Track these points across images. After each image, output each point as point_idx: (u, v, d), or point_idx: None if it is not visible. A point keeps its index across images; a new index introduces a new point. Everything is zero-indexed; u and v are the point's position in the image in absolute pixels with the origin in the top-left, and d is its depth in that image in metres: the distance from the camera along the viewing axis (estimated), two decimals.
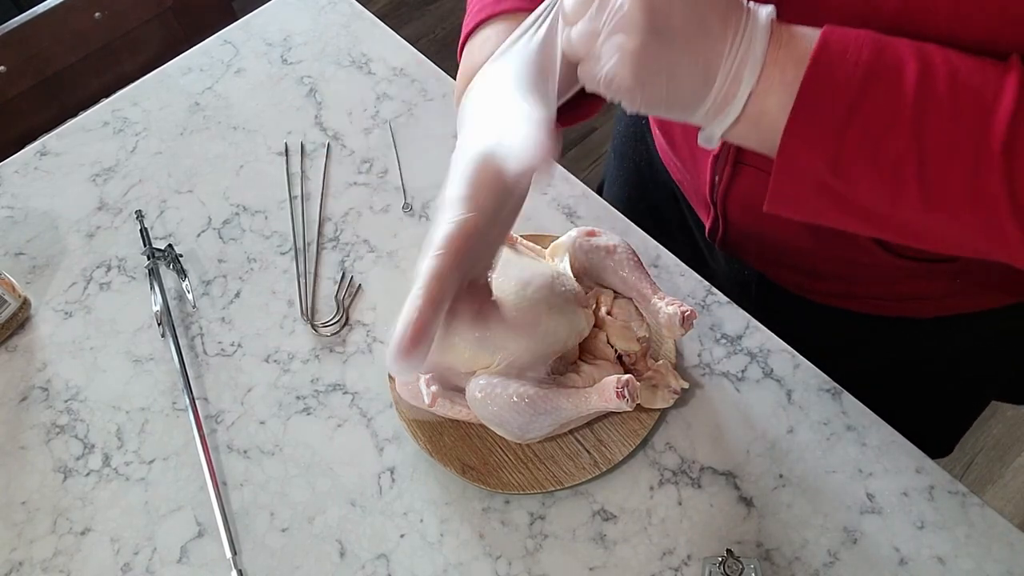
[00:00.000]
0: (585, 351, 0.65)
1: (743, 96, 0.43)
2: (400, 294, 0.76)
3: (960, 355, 0.79)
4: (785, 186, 0.45)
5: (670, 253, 0.75)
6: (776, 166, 0.44)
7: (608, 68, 0.43)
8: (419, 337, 0.46)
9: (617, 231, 0.73)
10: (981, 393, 0.90)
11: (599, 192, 0.87)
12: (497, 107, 0.48)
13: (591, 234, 0.67)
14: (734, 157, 0.65)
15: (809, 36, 0.43)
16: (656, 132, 0.81)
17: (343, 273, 0.78)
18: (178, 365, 0.72)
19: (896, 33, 0.44)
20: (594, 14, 0.43)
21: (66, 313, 0.78)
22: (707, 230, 0.76)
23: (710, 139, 0.47)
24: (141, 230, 0.81)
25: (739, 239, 0.75)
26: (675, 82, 0.43)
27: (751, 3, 0.44)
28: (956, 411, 0.93)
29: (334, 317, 0.75)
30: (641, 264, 0.66)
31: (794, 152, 0.44)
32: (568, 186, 0.81)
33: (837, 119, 0.42)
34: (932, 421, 0.85)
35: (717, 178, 0.67)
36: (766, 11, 0.44)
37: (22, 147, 0.90)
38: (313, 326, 0.74)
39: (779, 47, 0.43)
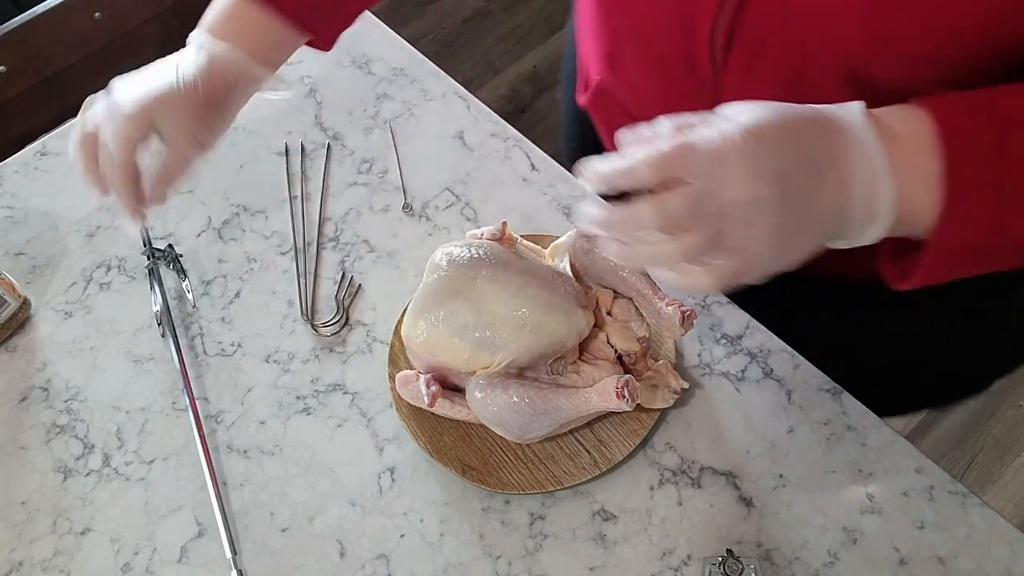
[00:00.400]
0: (585, 351, 0.65)
1: (888, 208, 0.42)
2: (400, 294, 0.76)
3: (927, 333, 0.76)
4: (942, 263, 0.44)
5: None
6: (932, 249, 0.43)
7: (750, 258, 0.42)
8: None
9: None
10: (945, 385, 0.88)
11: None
12: None
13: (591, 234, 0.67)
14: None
15: (908, 118, 0.43)
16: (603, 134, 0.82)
17: (343, 273, 0.78)
18: (178, 365, 0.72)
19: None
20: (704, 217, 0.41)
21: (66, 313, 0.78)
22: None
23: (852, 244, 0.46)
24: (141, 230, 0.81)
25: None
26: (820, 226, 0.43)
27: (831, 109, 0.43)
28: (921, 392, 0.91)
29: (334, 317, 0.75)
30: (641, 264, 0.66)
31: (954, 228, 0.42)
32: (568, 186, 0.81)
33: (989, 181, 0.41)
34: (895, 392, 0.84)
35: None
36: (857, 109, 0.43)
37: (22, 147, 0.90)
38: (313, 326, 0.74)
39: (894, 143, 0.42)
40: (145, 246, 0.79)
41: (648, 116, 0.67)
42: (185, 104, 0.60)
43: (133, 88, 0.62)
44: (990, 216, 0.42)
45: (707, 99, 0.58)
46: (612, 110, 0.74)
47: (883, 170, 0.42)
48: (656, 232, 0.43)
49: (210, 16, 0.63)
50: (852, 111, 0.44)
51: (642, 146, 0.43)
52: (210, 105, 0.61)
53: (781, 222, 0.42)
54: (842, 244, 0.46)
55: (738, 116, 0.42)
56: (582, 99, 0.79)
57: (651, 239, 0.44)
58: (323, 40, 0.68)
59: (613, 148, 0.78)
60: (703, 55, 0.56)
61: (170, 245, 0.79)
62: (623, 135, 0.45)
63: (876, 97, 0.46)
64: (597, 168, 0.44)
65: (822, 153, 0.42)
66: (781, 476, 0.63)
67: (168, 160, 0.62)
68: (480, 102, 0.89)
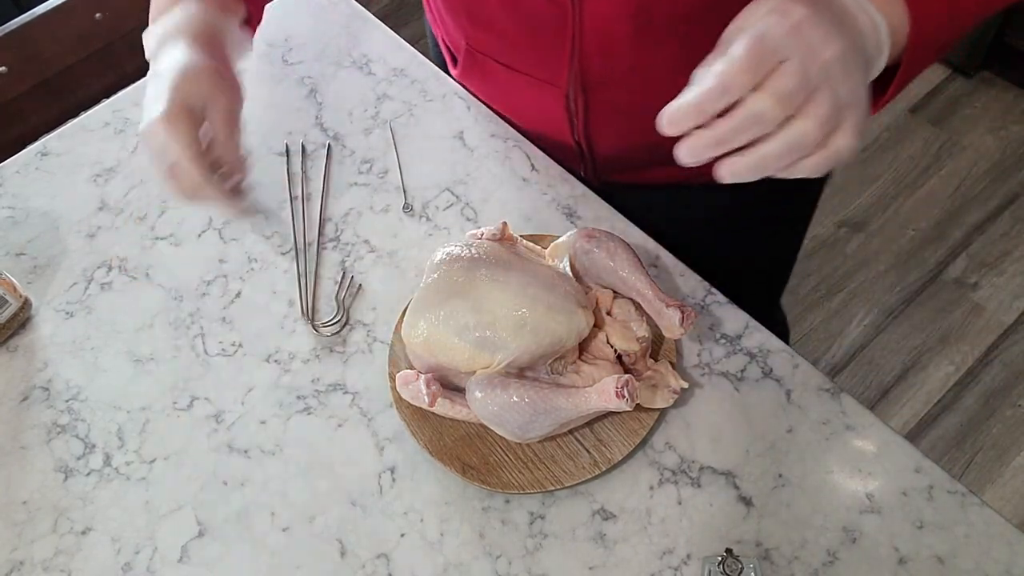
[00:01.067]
0: (585, 351, 0.65)
1: (885, 36, 0.47)
2: (400, 294, 0.76)
3: (758, 201, 0.82)
4: (914, 71, 0.50)
5: (670, 253, 0.75)
6: (907, 59, 0.49)
7: (862, 104, 0.45)
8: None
9: (617, 231, 0.73)
10: (791, 235, 0.99)
11: None
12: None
13: (591, 234, 0.67)
14: (581, 87, 0.70)
15: None
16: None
17: (343, 273, 0.78)
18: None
19: None
20: (815, 80, 0.43)
21: (67, 313, 0.78)
22: (583, 172, 0.83)
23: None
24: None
25: (607, 166, 0.81)
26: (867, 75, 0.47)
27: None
28: (774, 261, 1.01)
29: (334, 317, 0.75)
30: (641, 264, 0.66)
31: (922, 36, 0.48)
32: (568, 186, 0.81)
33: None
34: (753, 278, 0.93)
35: (574, 118, 0.75)
36: None
37: (23, 147, 0.90)
38: (314, 326, 0.74)
39: None
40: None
41: (520, 60, 0.75)
42: (201, 72, 0.60)
43: (154, 100, 0.61)
44: (944, 16, 0.49)
45: (570, 24, 0.65)
46: (486, 68, 0.79)
47: (871, 8, 0.47)
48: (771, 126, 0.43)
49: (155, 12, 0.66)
50: None
51: (718, 64, 0.43)
52: (218, 54, 0.63)
53: (863, 62, 0.46)
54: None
55: (767, 3, 0.44)
56: (456, 72, 0.84)
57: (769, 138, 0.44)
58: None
59: (495, 110, 0.86)
60: None
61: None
62: (697, 74, 0.45)
63: None
64: (686, 101, 0.43)
65: (837, 9, 0.46)
66: (780, 476, 0.63)
67: (218, 119, 0.61)
68: (480, 102, 0.89)
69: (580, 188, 0.81)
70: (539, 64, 0.73)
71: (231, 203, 0.63)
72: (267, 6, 0.79)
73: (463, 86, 0.88)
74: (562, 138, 0.79)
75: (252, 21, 0.72)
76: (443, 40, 0.85)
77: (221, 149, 0.61)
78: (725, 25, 0.57)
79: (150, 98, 0.60)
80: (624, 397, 0.58)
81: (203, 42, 0.62)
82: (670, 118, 0.43)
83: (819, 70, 0.43)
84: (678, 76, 0.64)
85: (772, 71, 0.42)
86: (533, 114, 0.81)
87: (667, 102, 0.44)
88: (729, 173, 0.45)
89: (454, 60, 0.83)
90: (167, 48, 0.62)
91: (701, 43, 0.62)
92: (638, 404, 0.60)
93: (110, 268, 0.80)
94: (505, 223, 0.70)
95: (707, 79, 0.43)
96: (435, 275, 0.65)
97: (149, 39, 0.64)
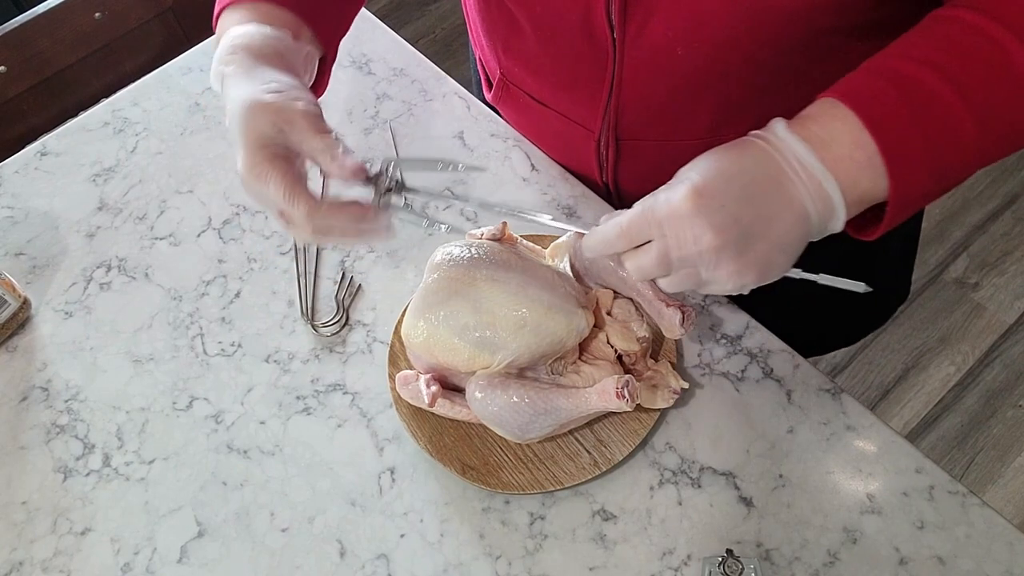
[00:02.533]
0: (585, 351, 0.65)
1: (839, 201, 0.48)
2: (400, 294, 0.76)
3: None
4: (900, 217, 0.51)
5: None
6: (890, 212, 0.49)
7: (734, 285, 0.50)
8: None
9: None
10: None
11: None
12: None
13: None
14: (615, 135, 0.70)
15: (823, 115, 0.49)
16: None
17: (343, 273, 0.78)
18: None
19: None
20: (676, 267, 0.50)
21: (66, 313, 0.78)
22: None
23: (824, 235, 0.51)
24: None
25: (632, 204, 0.80)
26: (783, 246, 0.49)
27: (763, 137, 0.50)
28: (825, 302, 0.99)
29: (334, 317, 0.75)
30: None
31: (905, 194, 0.49)
32: (568, 186, 0.81)
33: (920, 151, 0.48)
34: (805, 318, 0.91)
35: (604, 162, 0.74)
36: (780, 128, 0.50)
37: (22, 147, 0.90)
38: (313, 326, 0.74)
39: (822, 147, 0.48)
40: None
41: (554, 99, 0.75)
42: (263, 103, 0.53)
43: (234, 147, 0.55)
44: (926, 168, 0.48)
45: (608, 65, 0.64)
46: (518, 99, 0.77)
47: (821, 173, 0.48)
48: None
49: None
50: (778, 131, 0.50)
51: (614, 219, 0.53)
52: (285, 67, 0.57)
53: (746, 256, 0.48)
54: (815, 237, 0.51)
55: (687, 174, 0.49)
56: (489, 96, 0.82)
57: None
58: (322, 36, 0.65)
59: (526, 137, 0.85)
60: (601, 19, 0.60)
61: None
62: (603, 218, 0.55)
63: (767, 26, 0.56)
64: (587, 242, 0.55)
65: (765, 181, 0.49)
66: (781, 476, 0.63)
67: (307, 146, 0.54)
68: (480, 102, 0.89)
69: (580, 188, 0.80)
70: (573, 106, 0.72)
71: (362, 225, 0.54)
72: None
73: (495, 110, 0.86)
74: (589, 175, 0.79)
75: (326, 60, 0.67)
76: (480, 61, 0.84)
77: (324, 165, 0.54)
78: (762, 85, 0.62)
79: (232, 143, 0.55)
80: (624, 397, 0.58)
81: (264, 59, 0.55)
82: (583, 250, 0.56)
83: (682, 257, 0.49)
84: (711, 132, 0.67)
85: (643, 244, 0.51)
86: (562, 150, 0.81)
87: (697, 155, 0.51)
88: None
89: (489, 84, 0.82)
90: (228, 80, 0.55)
91: (737, 101, 0.64)
92: (638, 404, 0.60)
93: (109, 268, 0.80)
94: (505, 223, 0.69)
95: (598, 232, 0.54)
96: (435, 275, 0.65)
97: (213, 71, 0.58)
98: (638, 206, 0.51)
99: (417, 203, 0.58)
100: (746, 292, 0.51)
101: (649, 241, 0.51)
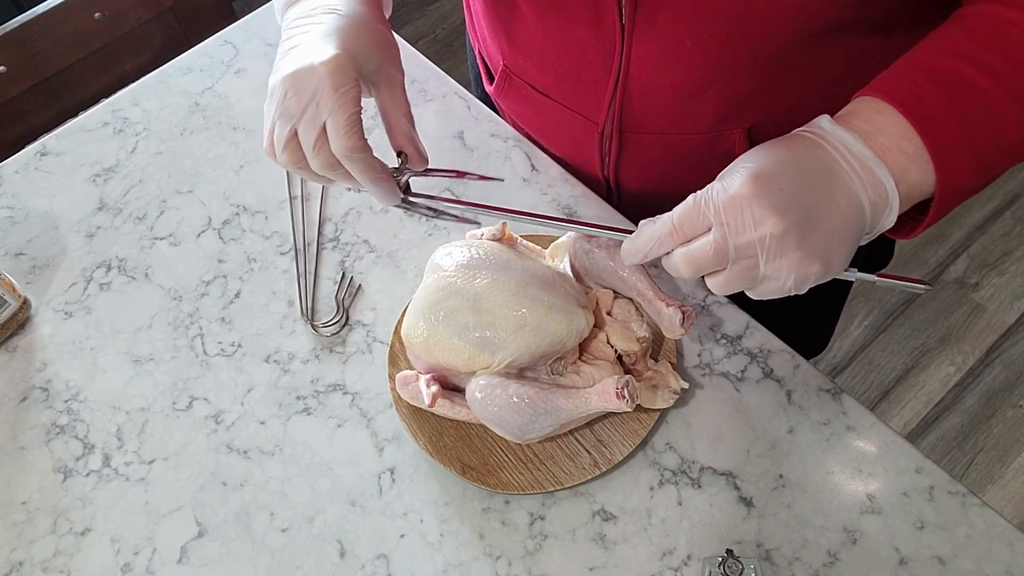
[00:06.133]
0: (585, 351, 0.65)
1: (893, 190, 0.47)
2: (400, 294, 0.76)
3: None
4: (944, 212, 0.50)
5: None
6: (936, 206, 0.49)
7: (796, 278, 0.47)
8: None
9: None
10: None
11: None
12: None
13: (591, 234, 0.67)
14: (618, 128, 0.69)
15: (866, 110, 0.48)
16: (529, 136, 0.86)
17: (343, 273, 0.78)
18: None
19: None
20: (733, 259, 0.47)
21: (66, 313, 0.78)
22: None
23: (874, 236, 0.51)
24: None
25: (631, 201, 0.80)
26: (843, 235, 0.47)
27: (810, 131, 0.49)
28: (825, 301, 1.00)
29: (334, 317, 0.75)
30: (641, 264, 0.66)
31: (951, 187, 0.48)
32: (568, 186, 0.81)
33: (963, 142, 0.47)
34: (804, 318, 0.92)
35: (606, 155, 0.74)
36: (826, 122, 0.49)
37: (22, 147, 0.90)
38: (313, 326, 0.74)
39: (869, 138, 0.47)
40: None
41: (558, 91, 0.74)
42: (373, 28, 0.53)
43: (308, 46, 0.52)
44: (971, 160, 0.48)
45: (616, 56, 0.63)
46: (521, 90, 0.77)
47: (873, 160, 0.47)
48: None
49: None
50: (823, 124, 0.49)
51: (660, 218, 0.50)
52: (385, 27, 0.56)
53: (807, 244, 0.46)
54: (866, 239, 0.50)
55: (741, 164, 0.48)
56: (491, 89, 0.82)
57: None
58: None
59: (525, 131, 0.85)
60: (611, 10, 0.60)
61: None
62: (643, 223, 0.52)
63: (774, 20, 0.55)
64: (631, 247, 0.52)
65: (819, 168, 0.47)
66: (781, 476, 0.63)
67: (387, 99, 0.54)
68: (480, 102, 0.89)
69: (580, 188, 0.80)
70: (577, 98, 0.71)
71: (380, 182, 0.53)
72: (267, 6, 0.78)
73: (496, 103, 0.86)
74: (591, 170, 0.78)
75: None
76: (480, 54, 0.84)
77: (395, 126, 0.53)
78: (765, 80, 0.62)
79: (300, 45, 0.52)
80: (624, 398, 0.58)
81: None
82: (624, 257, 0.54)
83: (739, 247, 0.47)
84: (715, 127, 0.66)
85: (699, 235, 0.48)
86: (564, 143, 0.80)
87: (702, 151, 0.50)
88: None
89: (490, 77, 0.81)
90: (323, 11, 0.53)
91: (742, 95, 0.64)
92: (638, 404, 0.60)
93: (109, 268, 0.80)
94: (505, 223, 0.69)
95: (646, 231, 0.51)
96: (435, 275, 0.65)
97: None
98: (690, 199, 0.49)
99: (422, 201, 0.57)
100: (803, 291, 0.48)
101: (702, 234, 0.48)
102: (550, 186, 0.81)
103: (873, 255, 0.93)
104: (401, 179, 0.56)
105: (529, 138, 0.85)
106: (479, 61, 0.85)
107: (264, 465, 0.67)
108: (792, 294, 0.48)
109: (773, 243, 0.46)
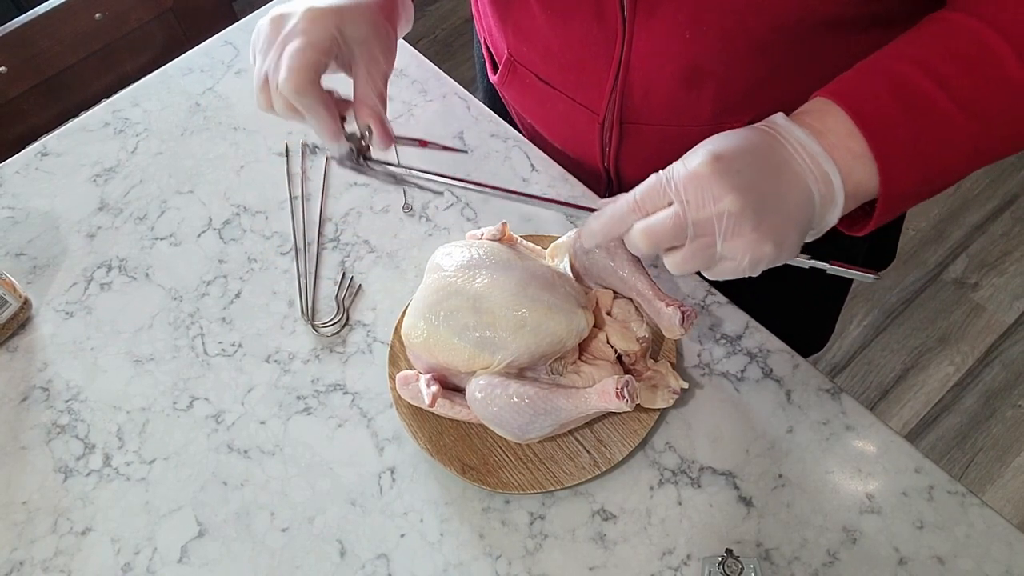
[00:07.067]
0: (585, 351, 0.65)
1: (839, 185, 0.49)
2: (400, 294, 0.76)
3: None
4: (890, 212, 0.52)
5: None
6: (881, 206, 0.50)
7: (751, 258, 0.48)
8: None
9: None
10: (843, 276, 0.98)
11: None
12: None
13: None
14: (619, 118, 0.70)
15: (818, 110, 0.50)
16: (529, 129, 0.86)
17: (343, 273, 0.78)
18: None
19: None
20: (691, 236, 0.48)
21: (67, 313, 0.78)
22: (603, 196, 0.81)
23: (819, 233, 0.52)
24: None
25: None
26: (795, 221, 0.49)
27: (765, 125, 0.51)
28: (824, 300, 1.01)
29: (334, 317, 0.75)
30: (641, 264, 0.66)
31: (894, 190, 0.50)
32: (568, 186, 0.81)
33: (910, 147, 0.49)
34: (803, 317, 0.93)
35: (607, 146, 0.74)
36: (779, 118, 0.51)
37: (23, 147, 0.90)
38: (313, 326, 0.74)
39: (819, 135, 0.49)
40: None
41: (560, 80, 0.75)
42: (371, 11, 0.55)
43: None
44: (916, 166, 0.50)
45: (617, 47, 0.64)
46: (526, 81, 0.77)
47: (822, 156, 0.49)
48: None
49: None
50: (778, 120, 0.51)
51: (622, 196, 0.51)
52: (387, 21, 0.57)
53: (763, 226, 0.47)
54: (812, 235, 0.51)
55: (702, 146, 0.49)
56: (495, 78, 0.82)
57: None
58: None
59: (528, 121, 0.85)
60: (613, 1, 0.60)
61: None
62: (601, 202, 0.53)
63: (773, 14, 0.56)
64: (593, 225, 0.52)
65: (775, 159, 0.49)
66: (781, 476, 0.63)
67: (363, 72, 0.55)
68: (480, 102, 0.89)
69: (580, 188, 0.81)
70: (579, 88, 0.72)
71: (324, 131, 0.54)
72: (267, 7, 0.78)
73: (501, 93, 0.86)
74: (591, 161, 0.79)
75: None
76: (485, 43, 0.84)
77: (363, 99, 0.54)
78: (764, 74, 0.63)
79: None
80: (624, 398, 0.58)
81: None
82: (585, 236, 0.53)
83: (698, 222, 0.48)
84: (714, 119, 0.67)
85: (659, 210, 0.49)
86: (565, 133, 0.81)
87: (699, 142, 0.50)
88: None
89: (495, 67, 0.82)
90: None
91: (740, 89, 0.64)
92: (638, 404, 0.60)
93: (110, 268, 0.80)
94: (505, 223, 0.70)
95: (608, 210, 0.52)
96: (435, 275, 0.65)
97: None
98: (651, 177, 0.50)
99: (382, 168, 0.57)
100: (756, 273, 0.50)
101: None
102: (550, 186, 0.81)
103: (874, 255, 0.94)
104: (360, 143, 0.56)
105: (532, 129, 0.85)
106: (484, 51, 0.85)
107: (264, 465, 0.68)
108: (747, 275, 0.50)
109: (731, 221, 0.47)
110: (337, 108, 0.55)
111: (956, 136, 0.49)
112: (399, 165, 0.58)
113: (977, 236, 1.82)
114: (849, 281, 0.99)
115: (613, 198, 0.53)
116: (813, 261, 0.53)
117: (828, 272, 0.53)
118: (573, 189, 0.81)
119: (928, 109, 0.49)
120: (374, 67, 0.55)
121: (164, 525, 0.65)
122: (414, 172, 0.57)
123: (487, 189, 0.57)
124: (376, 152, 0.57)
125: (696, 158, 0.48)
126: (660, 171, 0.50)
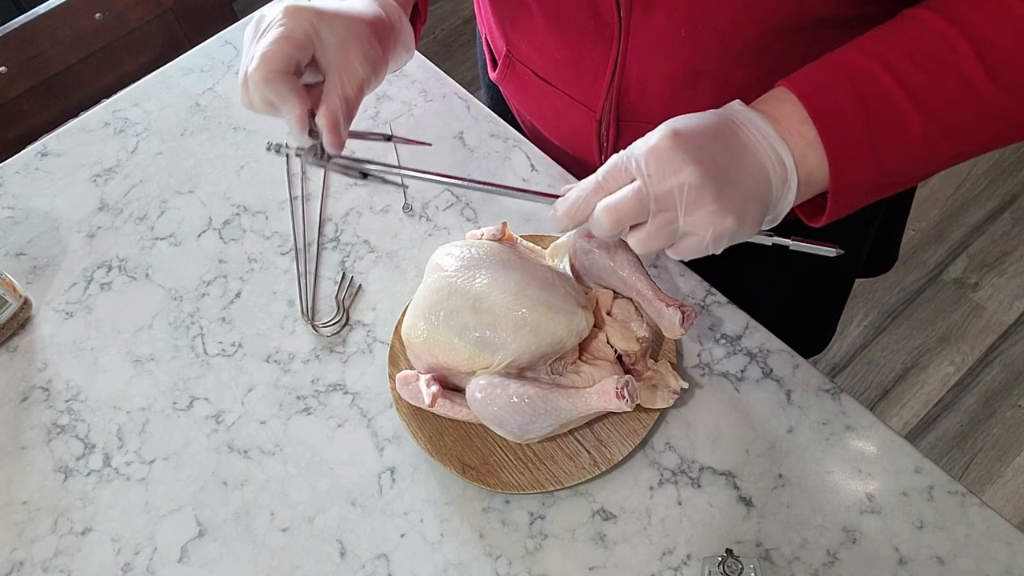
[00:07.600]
0: (585, 351, 0.65)
1: (792, 169, 0.50)
2: (400, 294, 0.76)
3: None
4: (843, 204, 0.52)
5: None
6: (832, 197, 0.51)
7: (713, 232, 0.49)
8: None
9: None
10: (844, 277, 0.97)
11: None
12: None
13: (591, 235, 0.67)
14: (616, 116, 0.70)
15: (775, 99, 0.52)
16: (527, 125, 0.87)
17: (343, 273, 0.78)
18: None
19: None
20: (654, 210, 0.49)
21: (67, 313, 0.78)
22: None
23: (776, 218, 0.53)
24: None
25: None
26: (755, 196, 0.50)
27: (723, 111, 0.52)
28: (825, 301, 1.01)
29: (334, 317, 0.75)
30: (641, 264, 0.66)
31: (844, 180, 0.51)
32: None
33: (862, 140, 0.50)
34: (804, 318, 0.94)
35: (604, 143, 0.74)
36: (736, 103, 0.52)
37: (23, 147, 0.90)
38: (313, 326, 0.74)
39: (773, 121, 0.51)
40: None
41: (558, 77, 0.75)
42: (355, 21, 0.55)
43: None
44: (868, 159, 0.50)
45: (613, 45, 0.64)
46: (524, 78, 0.77)
47: (776, 139, 0.50)
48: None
49: None
50: (735, 106, 0.52)
51: (584, 182, 0.52)
52: (375, 36, 0.56)
53: (723, 199, 0.48)
54: (768, 222, 0.52)
55: (662, 125, 0.50)
56: (494, 75, 0.82)
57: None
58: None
59: (527, 119, 0.85)
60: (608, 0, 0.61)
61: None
62: (564, 188, 0.53)
63: (768, 13, 0.57)
64: (559, 209, 0.53)
65: (733, 139, 0.50)
66: (780, 476, 0.63)
67: (334, 74, 0.54)
68: (480, 103, 0.89)
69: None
70: (577, 86, 0.72)
71: (292, 121, 0.54)
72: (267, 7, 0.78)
73: (500, 89, 0.86)
74: (589, 158, 0.79)
75: (418, 19, 0.66)
76: (486, 40, 0.85)
77: (327, 101, 0.54)
78: (760, 73, 0.63)
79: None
80: (624, 398, 0.58)
81: (378, 16, 0.57)
82: (553, 221, 0.53)
83: (660, 195, 0.48)
84: None
85: (621, 187, 0.50)
86: (563, 130, 0.81)
87: None
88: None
89: (494, 63, 0.82)
90: None
91: (736, 87, 0.65)
92: (638, 404, 0.60)
93: (110, 268, 0.80)
94: (505, 223, 0.70)
95: (572, 193, 0.52)
96: (435, 275, 0.65)
97: None
98: (613, 157, 0.51)
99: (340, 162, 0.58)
100: (719, 250, 0.50)
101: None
102: (549, 186, 0.81)
103: (876, 255, 0.94)
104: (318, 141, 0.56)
105: (532, 126, 0.85)
106: (485, 47, 0.85)
107: (264, 465, 0.68)
108: (709, 252, 0.50)
109: (691, 193, 0.48)
110: (312, 102, 0.56)
111: (911, 133, 0.50)
112: (359, 160, 0.58)
113: (977, 236, 1.82)
114: (850, 283, 0.99)
115: (578, 182, 0.53)
116: (776, 237, 0.54)
117: (791, 248, 0.54)
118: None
119: (885, 104, 0.49)
120: (347, 73, 0.55)
121: (164, 525, 0.65)
122: (375, 167, 0.58)
123: (450, 180, 0.58)
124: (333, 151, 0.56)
125: (656, 134, 0.49)
126: (622, 151, 0.51)
